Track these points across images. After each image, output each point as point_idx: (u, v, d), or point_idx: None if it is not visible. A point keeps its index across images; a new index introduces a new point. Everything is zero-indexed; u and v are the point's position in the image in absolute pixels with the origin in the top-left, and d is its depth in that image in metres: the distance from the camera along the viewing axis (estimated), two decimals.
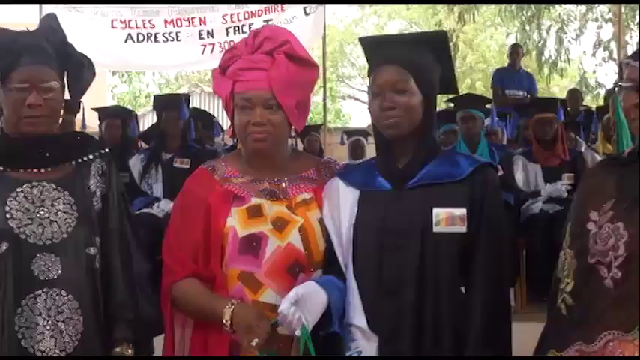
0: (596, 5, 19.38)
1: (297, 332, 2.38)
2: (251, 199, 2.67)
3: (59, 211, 2.53)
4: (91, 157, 2.66)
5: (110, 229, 2.64)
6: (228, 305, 2.52)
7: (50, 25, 2.68)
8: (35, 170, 2.56)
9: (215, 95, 2.83)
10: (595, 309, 2.21)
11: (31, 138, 2.56)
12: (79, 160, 2.64)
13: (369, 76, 2.65)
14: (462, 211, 2.50)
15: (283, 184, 2.72)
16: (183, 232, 2.67)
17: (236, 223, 2.63)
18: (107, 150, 2.73)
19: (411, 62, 2.56)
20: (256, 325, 2.47)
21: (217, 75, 2.74)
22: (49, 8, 9.00)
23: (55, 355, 2.45)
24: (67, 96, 2.68)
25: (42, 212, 2.51)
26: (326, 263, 2.64)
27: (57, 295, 2.48)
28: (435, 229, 2.49)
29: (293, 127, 2.73)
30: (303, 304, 2.41)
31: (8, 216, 2.49)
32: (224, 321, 2.51)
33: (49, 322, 2.46)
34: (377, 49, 2.69)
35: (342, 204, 2.63)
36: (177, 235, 2.68)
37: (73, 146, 2.68)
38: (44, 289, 2.47)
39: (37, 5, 9.16)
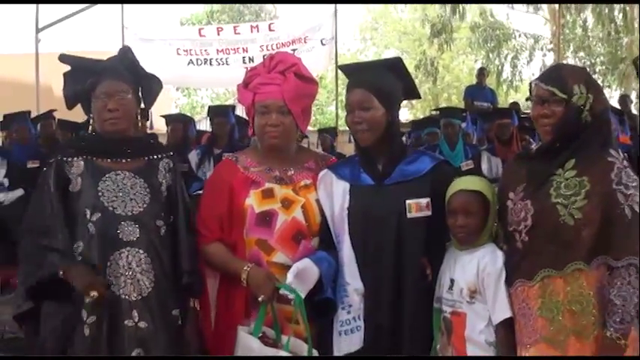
0: (542, 39, 19.37)
1: (292, 302, 2.44)
2: (265, 184, 2.65)
3: (137, 192, 2.55)
4: (159, 155, 2.68)
5: (179, 210, 2.64)
6: (245, 267, 2.52)
7: (124, 52, 2.74)
8: (118, 160, 2.58)
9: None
10: (512, 263, 2.39)
11: (116, 136, 2.59)
12: (151, 157, 2.65)
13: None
14: (427, 200, 2.51)
15: (290, 172, 2.69)
16: (212, 207, 2.66)
17: (253, 202, 2.61)
18: (172, 153, 2.76)
19: (373, 85, 2.53)
20: (264, 286, 2.47)
21: (241, 88, 2.72)
22: (128, 39, 9.17)
23: (133, 298, 2.47)
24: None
25: (124, 192, 2.54)
26: (322, 236, 2.62)
27: (136, 252, 2.50)
28: (409, 215, 2.49)
29: (307, 130, 2.72)
30: (301, 276, 2.44)
31: (100, 194, 2.52)
32: (241, 279, 2.52)
33: (130, 273, 2.48)
34: (349, 75, 2.67)
35: (335, 192, 2.61)
36: (208, 209, 2.67)
37: (146, 146, 2.72)
38: (127, 248, 2.49)
39: (120, 36, 9.24)
